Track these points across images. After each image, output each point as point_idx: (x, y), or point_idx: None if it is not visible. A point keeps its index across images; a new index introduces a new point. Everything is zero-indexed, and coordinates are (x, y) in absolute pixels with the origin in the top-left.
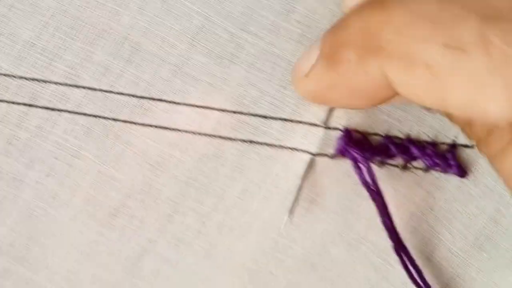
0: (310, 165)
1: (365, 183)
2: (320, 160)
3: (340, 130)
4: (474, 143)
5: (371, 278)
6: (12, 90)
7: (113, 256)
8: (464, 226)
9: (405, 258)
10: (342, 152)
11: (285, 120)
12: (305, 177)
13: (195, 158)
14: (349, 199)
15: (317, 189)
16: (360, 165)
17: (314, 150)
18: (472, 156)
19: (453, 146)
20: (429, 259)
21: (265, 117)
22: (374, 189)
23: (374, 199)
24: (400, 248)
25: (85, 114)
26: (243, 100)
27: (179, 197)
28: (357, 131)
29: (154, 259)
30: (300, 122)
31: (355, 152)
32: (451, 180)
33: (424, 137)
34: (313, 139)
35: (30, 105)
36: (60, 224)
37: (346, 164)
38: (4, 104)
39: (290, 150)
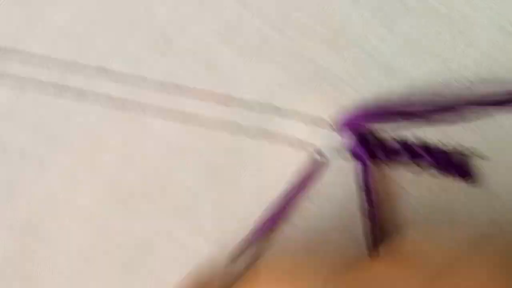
0: (320, 163)
1: (363, 184)
2: (332, 159)
3: (353, 132)
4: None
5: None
6: (45, 73)
7: (127, 237)
8: (463, 229)
9: None
10: (354, 155)
11: (303, 118)
12: (317, 174)
13: (214, 148)
14: (345, 197)
15: (328, 186)
16: (363, 166)
17: (326, 147)
18: (486, 168)
19: (467, 156)
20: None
21: (284, 113)
22: (372, 195)
23: (368, 205)
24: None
25: (113, 99)
26: (265, 95)
27: (196, 184)
28: (371, 133)
29: (168, 243)
30: (317, 122)
31: (364, 155)
32: (461, 186)
33: (438, 143)
34: (325, 137)
35: (61, 89)
36: (82, 207)
37: (348, 164)
38: (36, 87)
39: (305, 147)
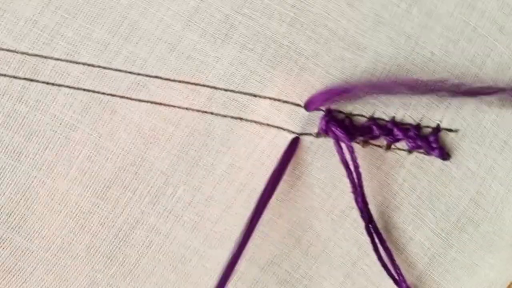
0: (295, 143)
1: (344, 162)
2: (304, 139)
3: (323, 110)
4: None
5: (353, 254)
6: (14, 65)
7: (106, 226)
8: (446, 207)
9: (377, 241)
10: (325, 131)
11: (272, 99)
12: (290, 155)
13: (186, 133)
14: (333, 176)
15: (302, 167)
16: (342, 144)
17: (299, 129)
18: (456, 140)
19: (437, 130)
20: (411, 238)
21: (254, 95)
22: (354, 168)
23: (350, 178)
24: (371, 228)
25: (83, 89)
26: (233, 78)
27: (170, 170)
28: (341, 112)
29: (146, 230)
30: (287, 102)
31: (337, 130)
32: (434, 162)
33: (409, 120)
34: (298, 118)
35: (31, 80)
36: (56, 194)
37: (330, 143)
38: (5, 78)
39: (276, 128)
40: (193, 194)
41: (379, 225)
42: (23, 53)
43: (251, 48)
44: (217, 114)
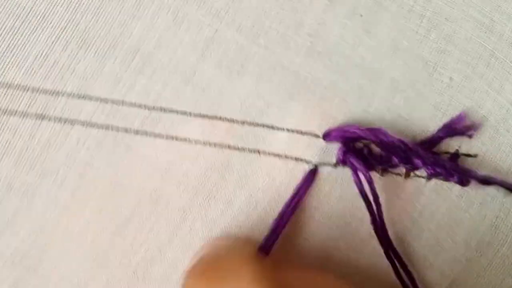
0: (313, 174)
1: (363, 192)
2: (323, 169)
3: (340, 139)
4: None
5: (374, 282)
6: (25, 102)
7: (124, 264)
8: (465, 233)
9: (397, 265)
10: (343, 161)
11: (290, 130)
12: (307, 185)
13: (203, 167)
14: (352, 205)
15: (320, 197)
16: (360, 173)
17: (317, 159)
18: (474, 165)
19: (456, 155)
20: (432, 264)
21: (271, 127)
22: (373, 198)
23: (369, 209)
24: (392, 255)
25: (96, 126)
26: (250, 110)
27: (188, 204)
28: (359, 141)
29: (164, 265)
30: (305, 133)
31: (355, 161)
32: (453, 187)
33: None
34: (316, 149)
35: (42, 117)
36: (72, 234)
37: (349, 172)
38: (16, 117)
39: (294, 159)
40: (211, 228)
41: (399, 252)
42: (33, 89)
43: (267, 79)
44: (234, 148)
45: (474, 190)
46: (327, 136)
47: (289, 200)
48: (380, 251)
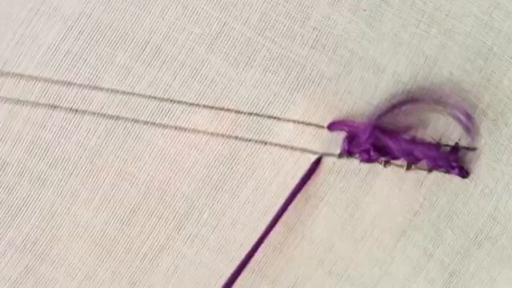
0: (318, 165)
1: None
2: (327, 160)
3: (346, 131)
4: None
5: (376, 273)
6: (37, 92)
7: (132, 252)
8: (465, 224)
9: None
10: (348, 152)
11: (296, 121)
12: (313, 176)
13: (211, 157)
14: (355, 196)
15: (324, 187)
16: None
17: (322, 150)
18: (474, 158)
19: (456, 148)
20: (431, 255)
21: (277, 118)
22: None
23: None
24: None
25: (106, 116)
26: (257, 102)
27: (196, 195)
28: (363, 132)
29: (172, 255)
30: (310, 123)
31: (359, 152)
32: (453, 180)
33: (428, 139)
34: (321, 139)
35: (54, 107)
36: (81, 222)
37: (353, 164)
38: (28, 106)
39: (300, 150)
40: (218, 218)
41: (400, 244)
42: (45, 80)
43: (274, 71)
44: (241, 139)
45: (473, 182)
46: (331, 127)
47: (292, 189)
48: (382, 242)
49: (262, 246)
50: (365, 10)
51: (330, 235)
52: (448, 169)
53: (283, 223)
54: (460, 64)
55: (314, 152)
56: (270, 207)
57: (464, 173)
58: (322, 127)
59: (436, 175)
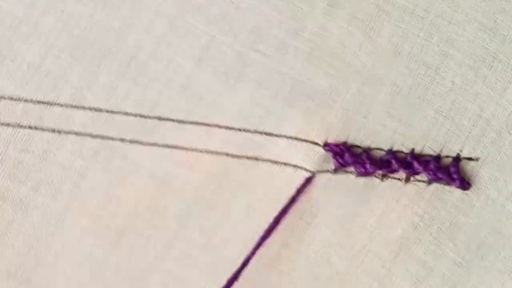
0: (312, 181)
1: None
2: (322, 176)
3: (339, 146)
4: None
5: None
6: (17, 113)
7: (121, 274)
8: (466, 236)
9: None
10: (342, 166)
11: (289, 138)
12: (307, 193)
13: (201, 176)
14: (352, 212)
15: (319, 204)
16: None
17: (316, 167)
18: (476, 168)
19: (457, 159)
20: (432, 269)
21: (270, 134)
22: None
23: None
24: None
25: (91, 136)
26: (249, 118)
27: (186, 214)
28: (358, 146)
29: (162, 275)
30: (304, 140)
31: (354, 165)
32: (454, 191)
33: (429, 151)
34: (315, 156)
35: (36, 128)
36: (67, 246)
37: (348, 179)
38: (9, 128)
39: (293, 167)
40: (209, 237)
41: (400, 258)
42: (26, 100)
43: (266, 86)
44: (232, 156)
45: (475, 193)
46: (327, 146)
47: (283, 207)
48: (381, 257)
49: (254, 262)
50: (362, 20)
51: (326, 250)
52: (448, 181)
53: (277, 240)
54: (463, 74)
55: (307, 170)
56: (262, 226)
57: (465, 184)
58: (316, 143)
59: (436, 187)
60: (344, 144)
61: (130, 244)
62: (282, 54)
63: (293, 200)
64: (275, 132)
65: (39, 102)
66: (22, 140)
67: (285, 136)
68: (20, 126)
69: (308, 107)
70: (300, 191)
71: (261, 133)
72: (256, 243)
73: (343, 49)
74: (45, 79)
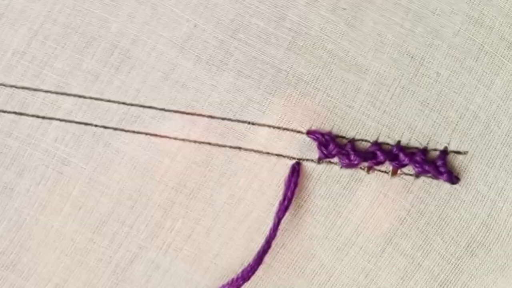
0: (296, 171)
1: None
2: (306, 165)
3: (324, 135)
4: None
5: (361, 282)
6: (2, 98)
7: (103, 262)
8: (456, 232)
9: None
10: (326, 156)
11: (272, 126)
12: (295, 180)
13: (184, 164)
14: (336, 203)
15: (304, 194)
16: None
17: (299, 155)
18: (464, 162)
19: (445, 152)
20: (420, 264)
21: (252, 123)
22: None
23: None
24: None
25: (75, 122)
26: (231, 106)
27: (169, 203)
28: (343, 137)
29: (145, 264)
30: (286, 129)
31: (338, 156)
32: (442, 185)
33: (415, 143)
34: (298, 145)
35: (20, 114)
36: (51, 231)
37: (333, 170)
38: None
39: (276, 156)
40: (192, 226)
41: (387, 252)
42: (11, 86)
43: (248, 74)
44: (215, 145)
45: (464, 188)
46: (311, 133)
47: (282, 199)
48: (367, 250)
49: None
50: (345, 9)
51: (311, 243)
52: (436, 175)
53: (261, 232)
54: (448, 64)
55: (291, 158)
56: (245, 216)
57: (453, 178)
58: (299, 132)
59: (424, 180)
60: (329, 133)
61: (113, 232)
62: (264, 42)
63: (289, 190)
64: (257, 121)
65: (23, 88)
66: (6, 125)
67: (268, 125)
68: (5, 112)
69: (291, 95)
70: (290, 179)
71: (243, 122)
72: (264, 243)
73: (325, 37)
74: (29, 66)
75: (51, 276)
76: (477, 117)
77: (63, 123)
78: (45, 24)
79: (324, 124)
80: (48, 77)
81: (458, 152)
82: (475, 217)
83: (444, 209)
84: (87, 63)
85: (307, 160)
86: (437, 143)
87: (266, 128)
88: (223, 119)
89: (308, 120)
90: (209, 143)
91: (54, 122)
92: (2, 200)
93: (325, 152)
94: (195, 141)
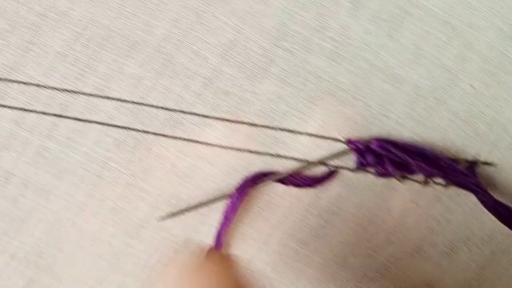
0: (333, 178)
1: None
2: (342, 173)
3: (360, 146)
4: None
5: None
6: (43, 100)
7: (139, 266)
8: (481, 241)
9: None
10: (363, 165)
11: (312, 135)
12: (327, 190)
13: (223, 171)
14: (369, 212)
15: (339, 202)
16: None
17: (337, 164)
18: (492, 173)
19: (474, 163)
20: (446, 271)
21: (293, 132)
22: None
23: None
24: None
25: (116, 126)
26: (272, 114)
27: (207, 209)
28: (380, 147)
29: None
30: (326, 137)
31: (374, 166)
32: (470, 196)
33: (447, 153)
34: (336, 153)
35: (61, 116)
36: (87, 235)
37: (367, 178)
38: (34, 114)
39: (314, 164)
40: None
41: (415, 260)
42: (52, 88)
43: (290, 83)
44: (255, 152)
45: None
46: (350, 142)
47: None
48: (396, 256)
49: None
50: (386, 21)
51: (344, 250)
52: (465, 185)
53: (295, 238)
54: (481, 77)
55: (329, 166)
56: (281, 222)
57: (481, 189)
58: (338, 140)
59: (453, 190)
60: (367, 143)
61: (150, 237)
62: (307, 51)
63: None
64: (297, 129)
65: (65, 90)
66: (47, 127)
67: (308, 133)
68: (45, 114)
69: (331, 104)
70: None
71: (283, 129)
72: None
73: (366, 48)
74: (72, 68)
75: (86, 279)
76: (506, 130)
77: (104, 126)
78: (89, 26)
79: (363, 132)
80: (90, 80)
81: (487, 164)
82: (499, 227)
83: (470, 218)
84: (130, 67)
85: (344, 168)
86: (467, 154)
87: (306, 137)
88: (264, 126)
89: (347, 129)
90: (249, 151)
91: (95, 125)
92: (40, 203)
93: (362, 161)
94: (235, 148)
